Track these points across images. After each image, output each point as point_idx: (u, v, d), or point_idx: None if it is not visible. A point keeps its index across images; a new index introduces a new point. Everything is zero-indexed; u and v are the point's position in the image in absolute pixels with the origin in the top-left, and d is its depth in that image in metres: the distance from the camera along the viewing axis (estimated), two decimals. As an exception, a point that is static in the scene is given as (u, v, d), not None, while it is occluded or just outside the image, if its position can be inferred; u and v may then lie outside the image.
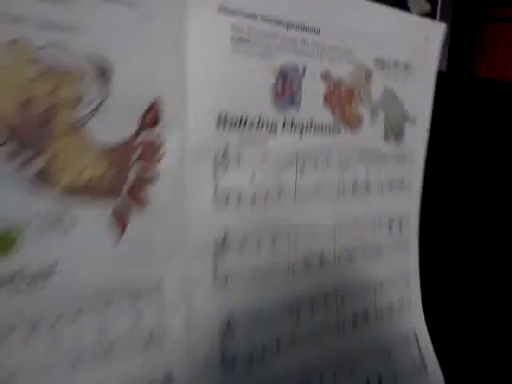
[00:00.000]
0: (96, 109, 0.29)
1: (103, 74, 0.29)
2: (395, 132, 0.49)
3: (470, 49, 0.76)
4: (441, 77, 0.55)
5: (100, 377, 0.33)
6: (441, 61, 0.55)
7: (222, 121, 0.37)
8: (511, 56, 0.78)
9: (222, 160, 0.38)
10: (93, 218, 0.31)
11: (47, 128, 0.28)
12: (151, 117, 0.32)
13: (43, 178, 0.28)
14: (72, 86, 0.28)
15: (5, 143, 0.27)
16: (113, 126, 0.31)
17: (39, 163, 0.28)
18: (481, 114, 0.63)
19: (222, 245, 0.39)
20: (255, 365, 0.42)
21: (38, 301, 0.30)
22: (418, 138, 0.52)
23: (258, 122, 0.39)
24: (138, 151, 0.32)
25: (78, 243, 0.31)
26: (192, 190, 0.37)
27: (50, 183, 0.29)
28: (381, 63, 0.47)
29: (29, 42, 0.27)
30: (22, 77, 0.27)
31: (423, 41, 0.51)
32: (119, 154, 0.31)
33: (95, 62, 0.29)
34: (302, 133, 0.42)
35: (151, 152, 0.32)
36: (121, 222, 0.32)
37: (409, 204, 0.53)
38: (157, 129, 0.33)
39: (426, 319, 0.56)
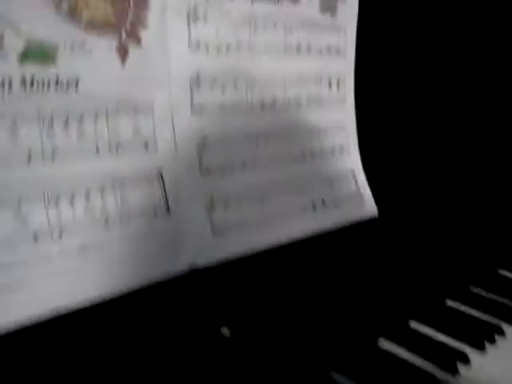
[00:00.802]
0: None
1: None
2: (329, 7, 0.64)
3: None
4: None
5: (113, 164, 0.49)
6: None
7: (192, -14, 0.52)
8: None
9: (194, 16, 0.53)
10: (105, 46, 0.46)
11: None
12: (141, -22, 0.47)
13: (72, 13, 0.43)
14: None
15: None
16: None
17: (69, 3, 0.43)
18: None
19: (196, 81, 0.54)
20: (226, 176, 0.58)
21: (67, 102, 0.45)
22: (349, 13, 0.66)
23: (219, -11, 0.54)
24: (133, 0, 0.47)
25: (95, 64, 0.46)
26: (172, 38, 0.52)
27: (76, 18, 0.44)
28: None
29: None
30: None
31: None
32: (121, 2, 0.46)
33: None
34: (252, 1, 0.56)
35: (142, 2, 0.47)
36: (124, 51, 0.47)
37: (344, 67, 0.68)
38: (145, -13, 0.48)
39: (363, 162, 0.72)
